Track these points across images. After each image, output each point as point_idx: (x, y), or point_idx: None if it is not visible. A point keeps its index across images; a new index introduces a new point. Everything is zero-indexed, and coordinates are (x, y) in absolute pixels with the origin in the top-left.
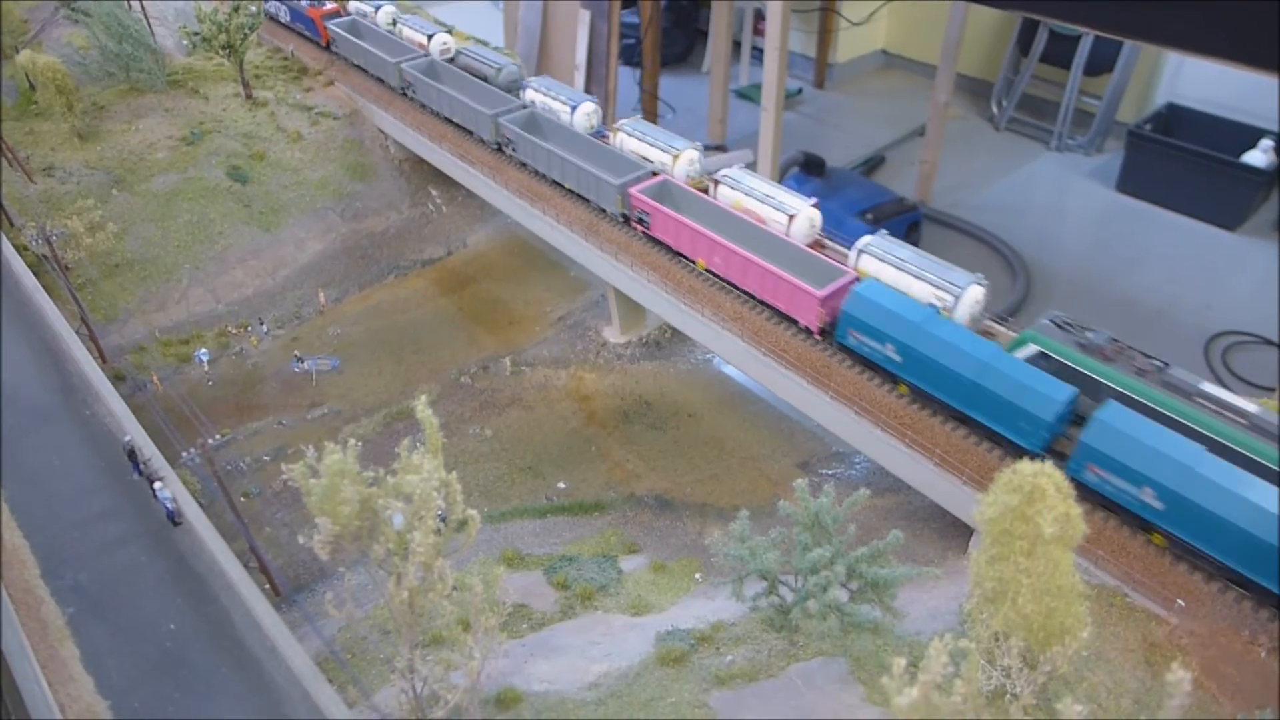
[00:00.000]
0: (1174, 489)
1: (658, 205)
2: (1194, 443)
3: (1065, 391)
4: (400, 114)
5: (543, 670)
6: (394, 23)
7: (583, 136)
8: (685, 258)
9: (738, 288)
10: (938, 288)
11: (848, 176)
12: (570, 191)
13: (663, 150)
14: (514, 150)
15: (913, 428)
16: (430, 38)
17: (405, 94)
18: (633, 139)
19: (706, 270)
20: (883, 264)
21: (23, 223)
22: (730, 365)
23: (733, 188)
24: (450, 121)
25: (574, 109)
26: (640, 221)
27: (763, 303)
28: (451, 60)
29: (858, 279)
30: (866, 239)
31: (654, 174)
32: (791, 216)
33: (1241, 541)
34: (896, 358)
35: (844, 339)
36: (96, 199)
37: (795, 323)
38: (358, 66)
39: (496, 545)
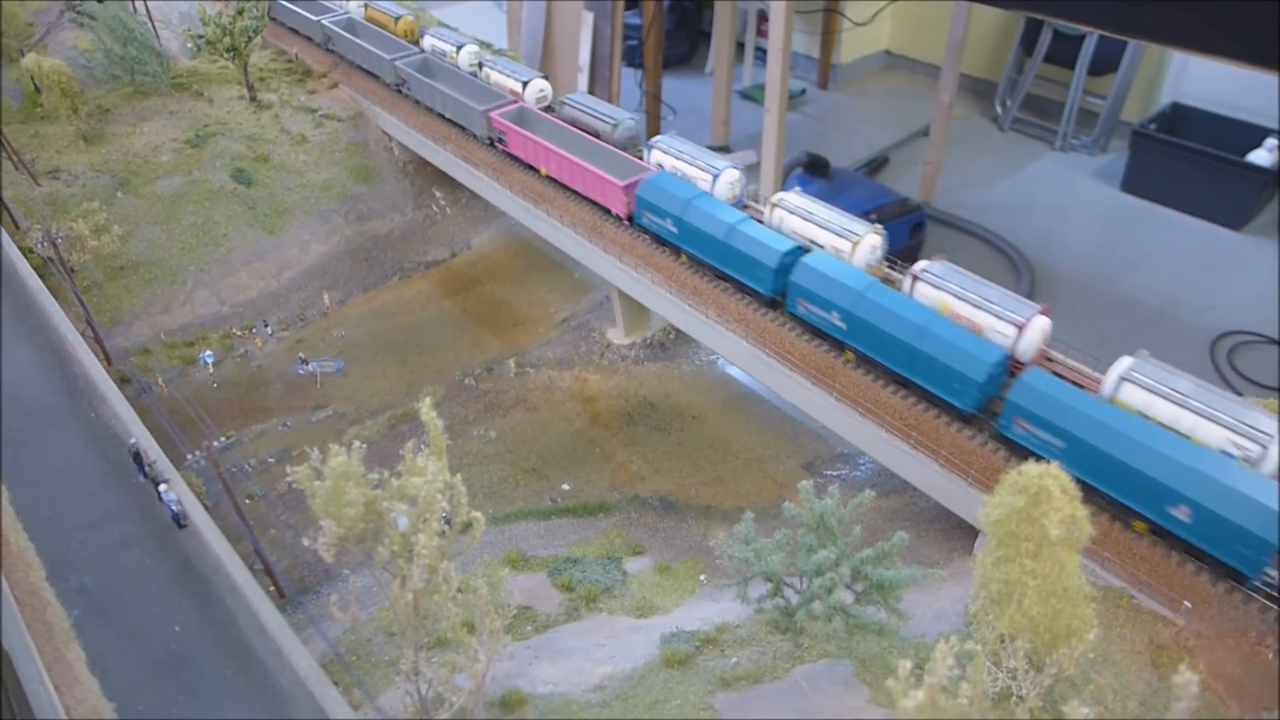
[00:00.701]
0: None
1: (512, 126)
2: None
3: (996, 353)
4: (404, 116)
5: (547, 672)
6: (479, 65)
7: (462, 74)
8: (533, 169)
9: (573, 190)
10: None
11: (851, 177)
12: (449, 120)
13: (702, 169)
14: (408, 90)
15: (918, 429)
16: (525, 84)
17: (328, 48)
18: (669, 156)
19: (547, 177)
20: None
21: (28, 225)
22: (734, 366)
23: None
24: (364, 70)
25: (716, 177)
26: (500, 141)
27: (589, 200)
28: (549, 109)
29: (655, 171)
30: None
31: (513, 101)
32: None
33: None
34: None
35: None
36: (101, 202)
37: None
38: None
39: (501, 547)
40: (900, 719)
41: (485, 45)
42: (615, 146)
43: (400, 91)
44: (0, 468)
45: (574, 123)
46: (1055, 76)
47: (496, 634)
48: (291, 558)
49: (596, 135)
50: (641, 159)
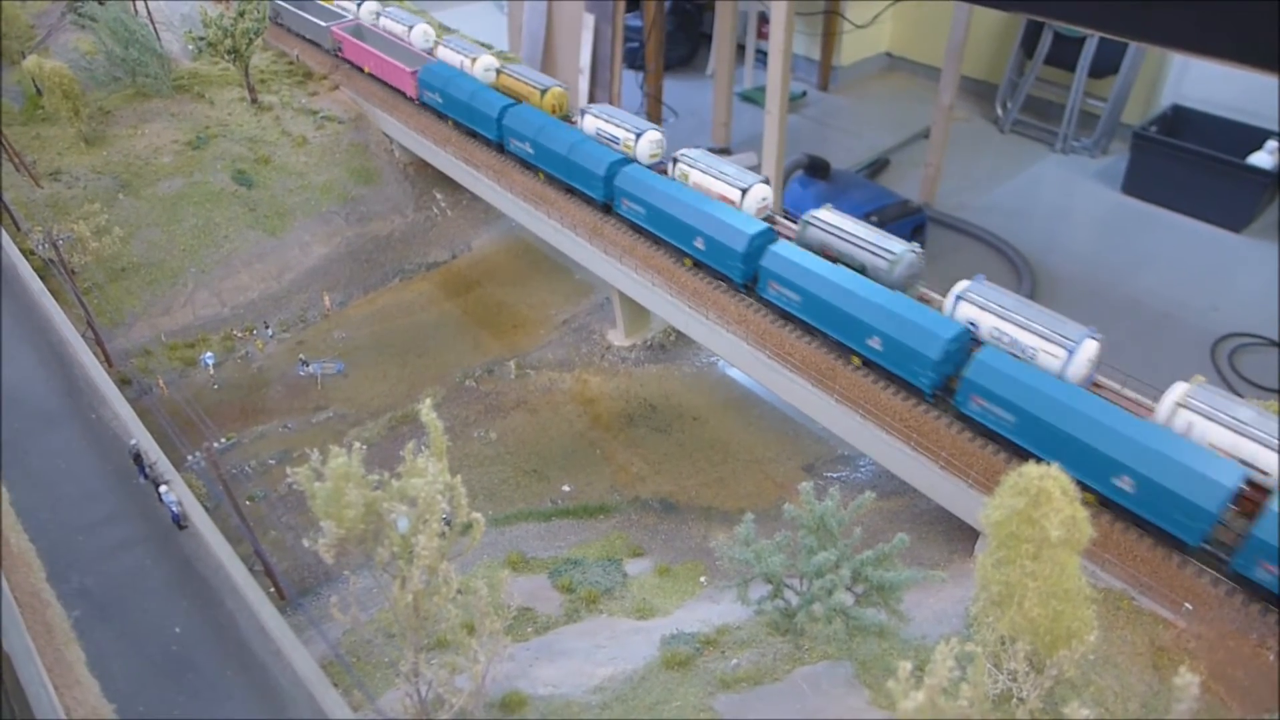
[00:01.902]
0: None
1: (346, 36)
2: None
3: (952, 329)
4: (405, 118)
5: (547, 674)
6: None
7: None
8: (360, 69)
9: (387, 83)
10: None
11: (852, 179)
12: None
13: (628, 130)
14: (281, 20)
15: (918, 430)
16: (641, 137)
17: (278, 21)
18: (696, 171)
19: (369, 74)
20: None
21: (29, 227)
22: (735, 368)
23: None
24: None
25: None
26: (339, 50)
27: (395, 89)
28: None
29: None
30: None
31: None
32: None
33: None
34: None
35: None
36: (102, 203)
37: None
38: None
39: (501, 548)
40: None
41: (490, 48)
42: (894, 284)
43: (279, 24)
44: (1, 469)
45: (824, 247)
46: (1056, 79)
47: (496, 635)
48: (292, 559)
49: (863, 269)
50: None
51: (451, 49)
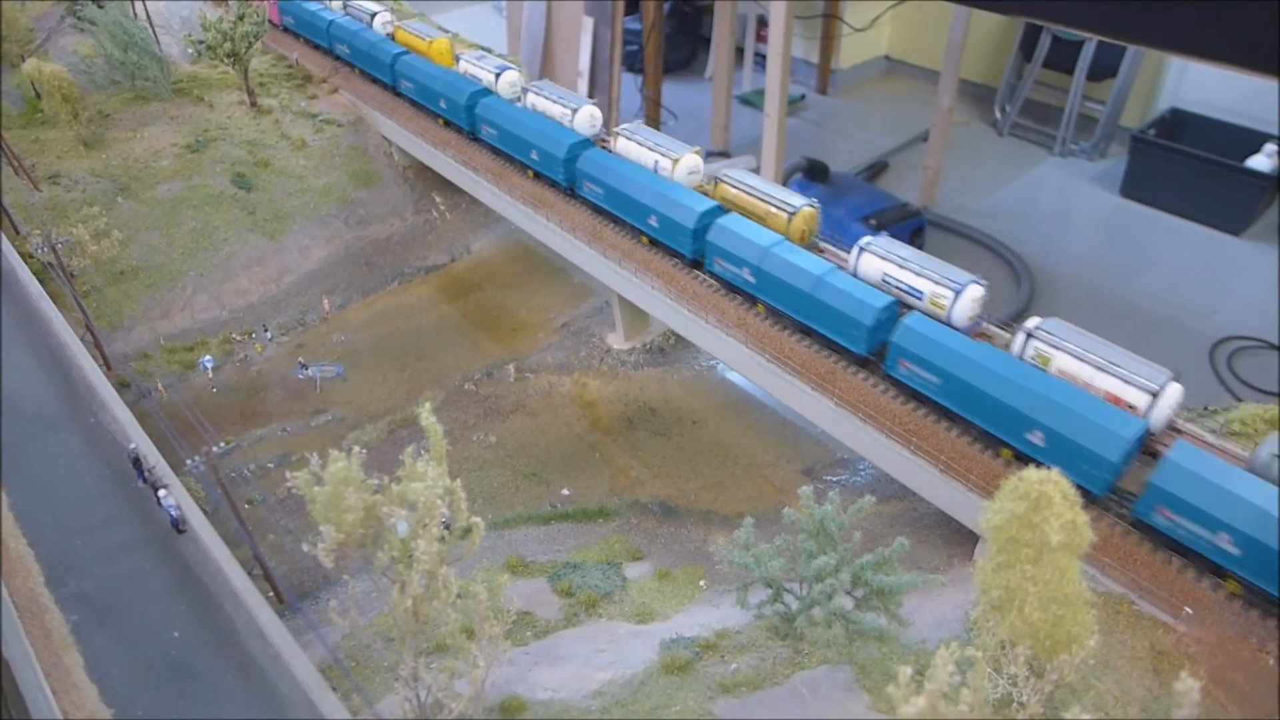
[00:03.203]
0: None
1: None
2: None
3: (883, 300)
4: (404, 121)
5: (547, 678)
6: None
7: None
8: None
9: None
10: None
11: (851, 182)
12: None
13: (773, 205)
14: None
15: (918, 434)
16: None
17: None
18: (735, 189)
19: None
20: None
21: (28, 230)
22: (734, 371)
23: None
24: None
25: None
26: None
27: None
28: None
29: None
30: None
31: None
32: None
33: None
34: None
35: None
36: (102, 206)
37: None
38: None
39: (501, 552)
40: None
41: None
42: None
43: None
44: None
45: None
46: (1054, 82)
47: (496, 639)
48: (291, 563)
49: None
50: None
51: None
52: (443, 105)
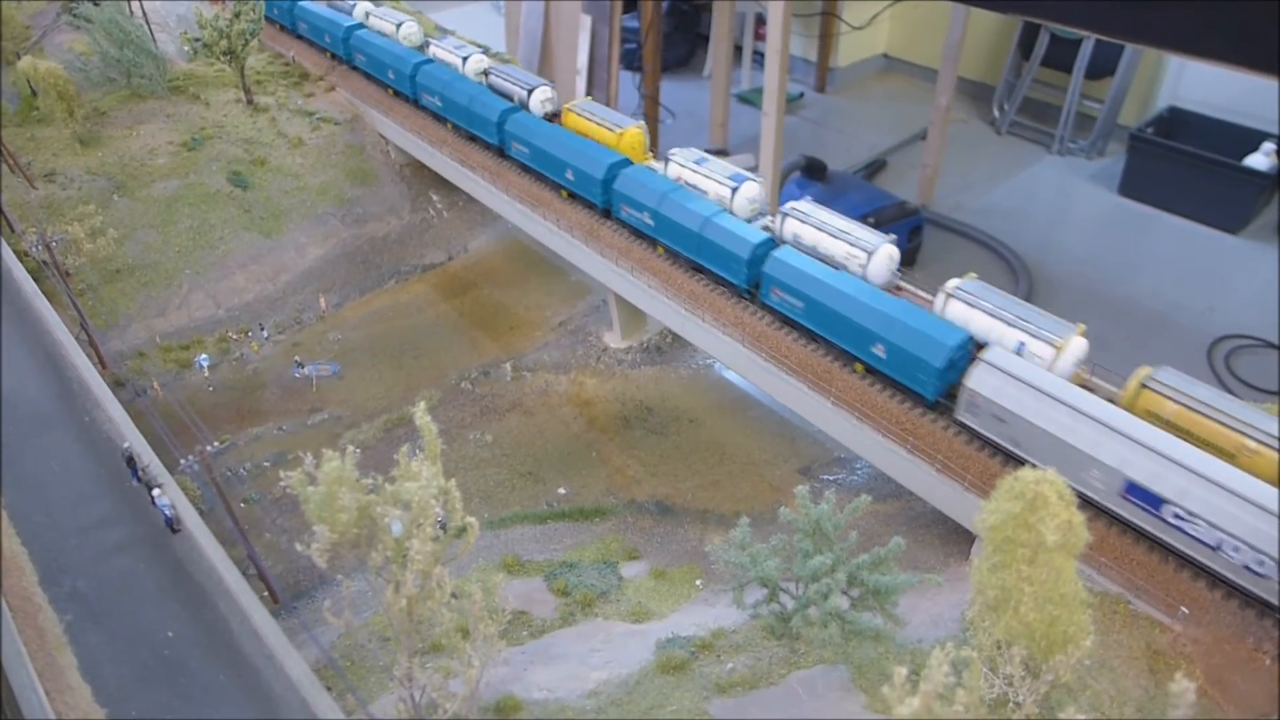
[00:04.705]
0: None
1: None
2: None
3: (760, 236)
4: (401, 119)
5: (542, 678)
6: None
7: None
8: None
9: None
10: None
11: (849, 180)
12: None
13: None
14: None
15: (914, 433)
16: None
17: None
18: (580, 117)
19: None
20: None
21: (23, 229)
22: (731, 370)
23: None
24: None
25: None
26: None
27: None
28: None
29: None
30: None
31: None
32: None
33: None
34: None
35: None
36: (97, 205)
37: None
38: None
39: (496, 551)
40: None
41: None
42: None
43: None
44: None
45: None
46: (1053, 80)
47: (491, 639)
48: (286, 562)
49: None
50: None
51: None
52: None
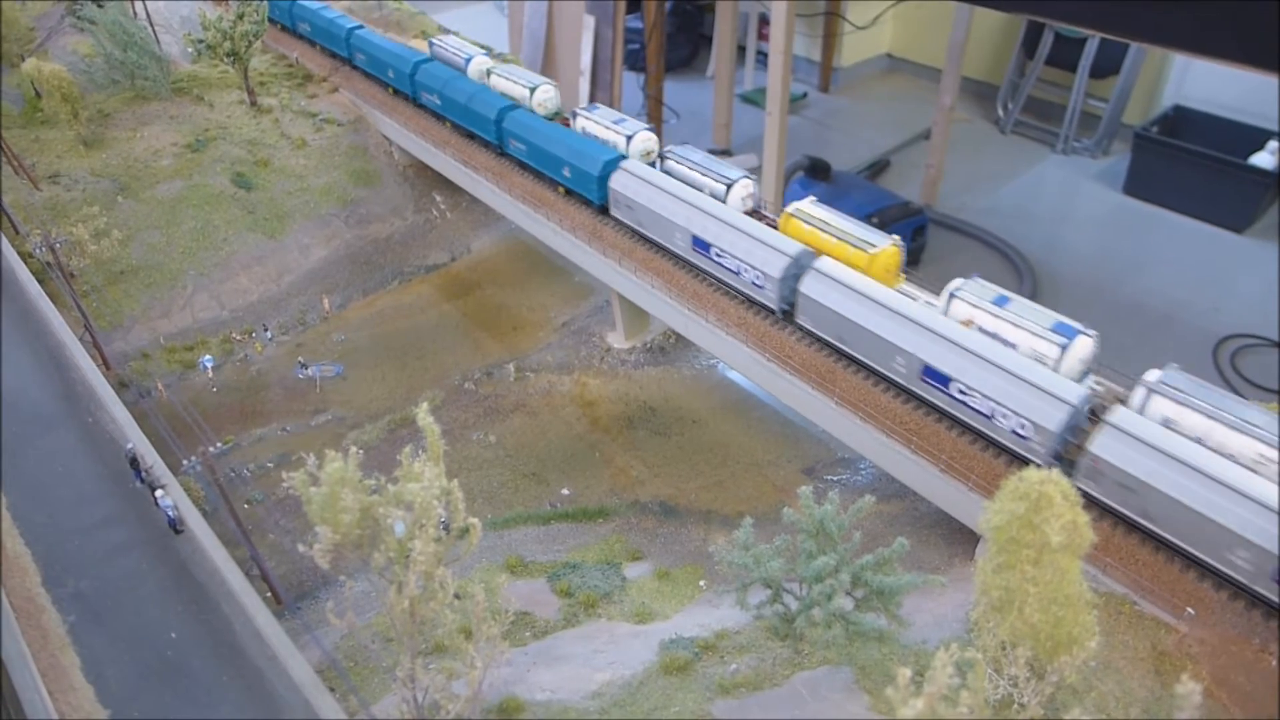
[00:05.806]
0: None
1: None
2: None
3: (504, 103)
4: (404, 120)
5: (545, 679)
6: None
7: None
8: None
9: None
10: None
11: (853, 181)
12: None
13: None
14: None
15: (918, 433)
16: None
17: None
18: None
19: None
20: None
21: (28, 230)
22: (734, 371)
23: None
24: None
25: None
26: None
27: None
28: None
29: None
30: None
31: None
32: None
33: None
34: (438, 101)
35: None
36: (101, 206)
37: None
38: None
39: (499, 552)
40: None
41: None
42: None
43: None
44: None
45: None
46: (1057, 79)
47: (494, 640)
48: (289, 563)
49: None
50: None
51: None
52: (567, 175)
